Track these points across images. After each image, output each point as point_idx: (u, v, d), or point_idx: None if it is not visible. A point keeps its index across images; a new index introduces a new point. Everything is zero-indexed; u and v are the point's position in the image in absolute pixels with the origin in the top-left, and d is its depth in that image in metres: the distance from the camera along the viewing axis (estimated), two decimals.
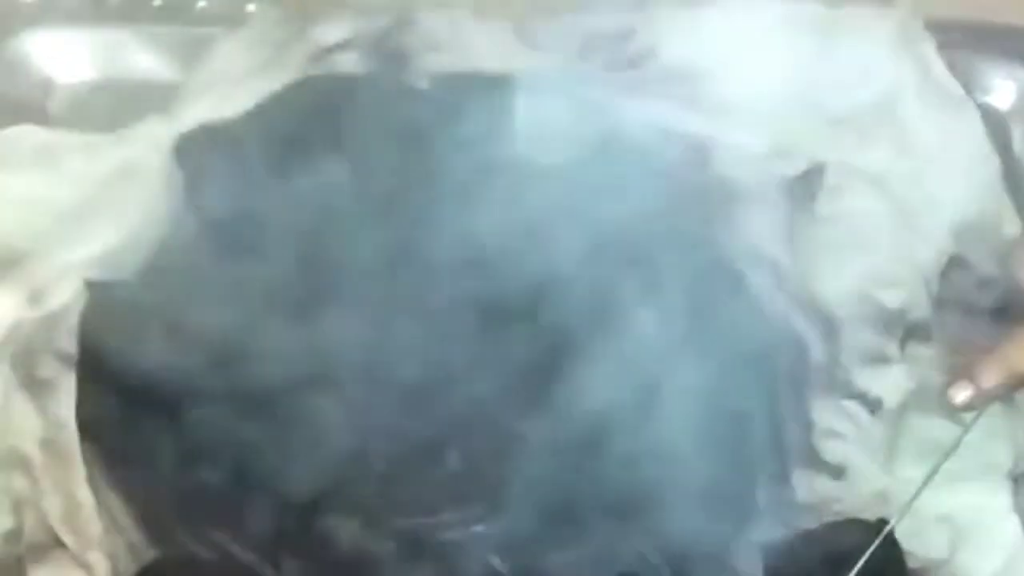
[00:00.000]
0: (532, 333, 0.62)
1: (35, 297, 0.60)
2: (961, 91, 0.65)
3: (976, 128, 0.65)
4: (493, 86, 0.65)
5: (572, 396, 0.61)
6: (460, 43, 0.65)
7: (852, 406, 0.61)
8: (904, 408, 0.61)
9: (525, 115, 0.66)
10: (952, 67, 0.66)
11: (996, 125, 0.68)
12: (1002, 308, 0.64)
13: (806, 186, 0.66)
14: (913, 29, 0.66)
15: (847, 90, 0.66)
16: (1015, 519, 0.58)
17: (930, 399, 0.61)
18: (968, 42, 0.69)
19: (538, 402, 0.61)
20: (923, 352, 0.63)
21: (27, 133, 0.65)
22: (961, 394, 0.58)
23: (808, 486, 0.60)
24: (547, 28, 0.65)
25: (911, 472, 0.60)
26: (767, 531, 0.60)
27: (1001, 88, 0.70)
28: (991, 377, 0.57)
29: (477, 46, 0.65)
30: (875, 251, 0.64)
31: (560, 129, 0.67)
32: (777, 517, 0.61)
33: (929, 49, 0.66)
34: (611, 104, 0.66)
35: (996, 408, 0.60)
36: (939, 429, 0.60)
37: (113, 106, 0.69)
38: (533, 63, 0.66)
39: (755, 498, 0.61)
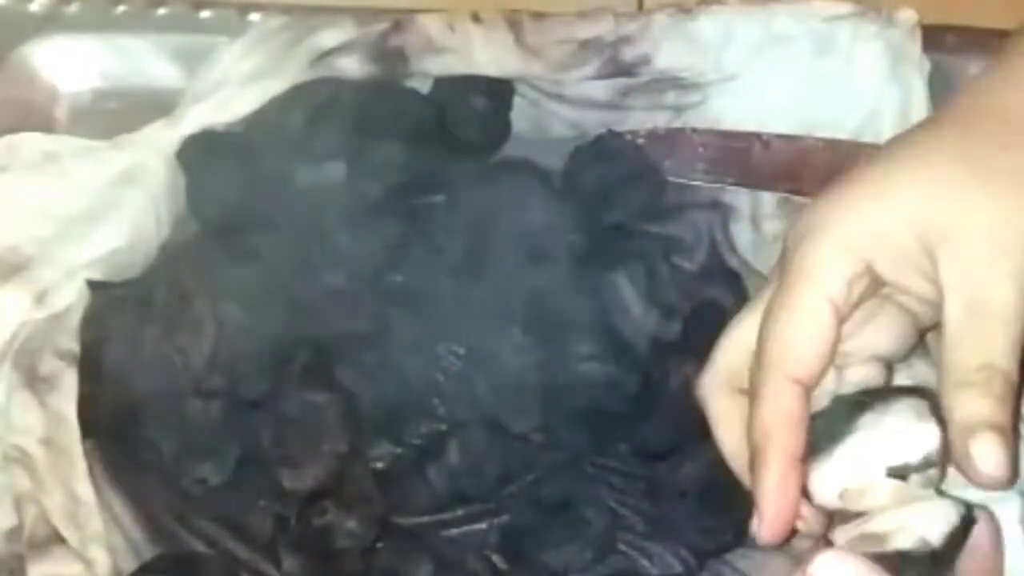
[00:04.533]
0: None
1: (40, 298, 0.61)
2: None
3: None
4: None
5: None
6: (459, 46, 0.65)
7: None
8: None
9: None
10: (945, 72, 0.67)
11: None
12: None
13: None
14: (905, 51, 0.66)
15: (834, 113, 0.67)
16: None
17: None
18: (961, 47, 0.69)
19: None
20: (922, 368, 0.63)
21: (32, 139, 0.65)
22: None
23: None
24: (544, 32, 0.66)
25: None
26: None
27: None
28: None
29: (476, 50, 0.65)
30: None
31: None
32: None
33: (916, 77, 0.66)
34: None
35: None
36: None
37: (119, 113, 0.70)
38: (529, 67, 0.66)
39: None
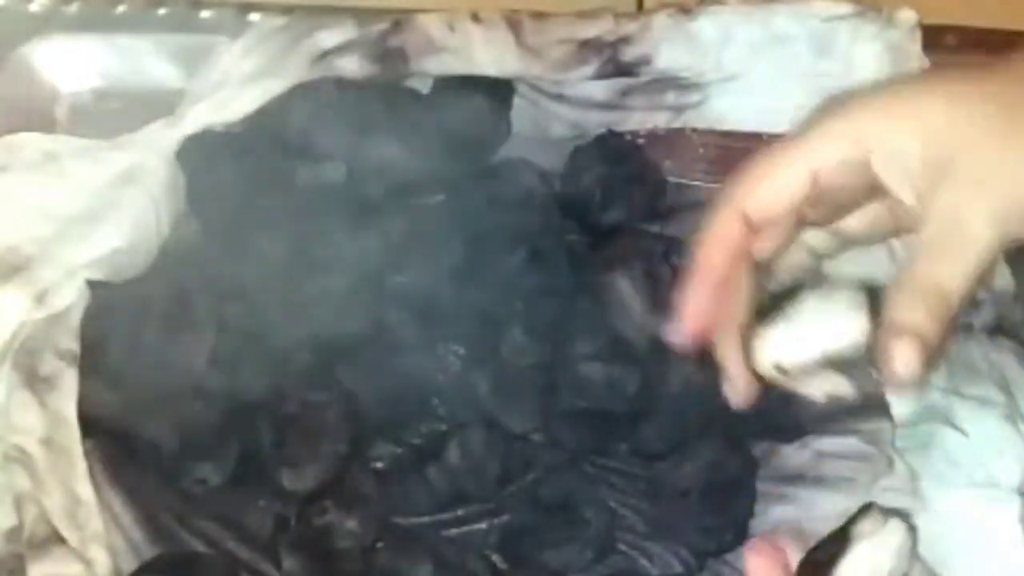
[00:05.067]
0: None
1: (40, 298, 0.60)
2: None
3: None
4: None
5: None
6: (459, 46, 0.65)
7: None
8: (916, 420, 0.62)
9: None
10: None
11: None
12: (995, 327, 0.65)
13: None
14: (905, 51, 0.66)
15: None
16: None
17: (936, 413, 0.61)
18: (961, 47, 0.69)
19: None
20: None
21: (33, 139, 0.65)
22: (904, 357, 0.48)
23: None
24: (544, 32, 0.66)
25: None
26: None
27: None
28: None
29: (476, 50, 0.65)
30: (874, 268, 0.63)
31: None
32: None
33: None
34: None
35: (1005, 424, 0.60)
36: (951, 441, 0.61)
37: (119, 113, 0.70)
38: (529, 67, 0.66)
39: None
